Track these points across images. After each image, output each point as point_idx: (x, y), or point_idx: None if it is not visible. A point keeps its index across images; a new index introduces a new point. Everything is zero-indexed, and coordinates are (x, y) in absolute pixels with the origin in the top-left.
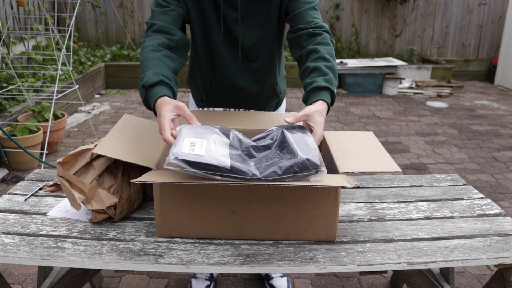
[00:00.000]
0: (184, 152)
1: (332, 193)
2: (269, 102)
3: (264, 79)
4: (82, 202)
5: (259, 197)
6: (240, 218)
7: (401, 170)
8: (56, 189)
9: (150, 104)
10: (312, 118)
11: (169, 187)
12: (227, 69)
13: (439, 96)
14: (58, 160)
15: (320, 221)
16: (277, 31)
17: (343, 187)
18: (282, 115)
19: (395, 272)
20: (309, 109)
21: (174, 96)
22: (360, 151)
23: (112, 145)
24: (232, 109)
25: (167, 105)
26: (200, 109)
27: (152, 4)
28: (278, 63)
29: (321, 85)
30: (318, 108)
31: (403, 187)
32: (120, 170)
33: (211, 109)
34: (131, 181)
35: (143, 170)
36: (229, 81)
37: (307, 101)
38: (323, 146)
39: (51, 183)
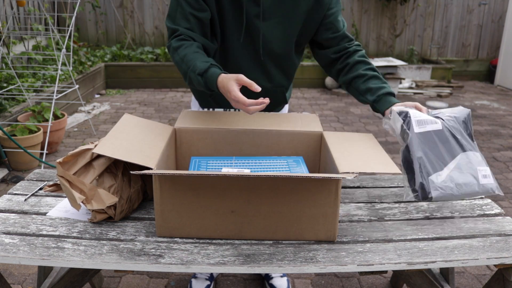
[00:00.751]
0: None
1: (332, 192)
2: (276, 106)
3: (279, 77)
4: (82, 202)
5: (259, 197)
6: (240, 218)
7: (400, 172)
8: (56, 189)
9: (211, 86)
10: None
11: (169, 187)
12: (244, 66)
13: (439, 96)
14: (58, 160)
15: (320, 221)
16: (299, 29)
17: (343, 177)
18: (281, 115)
19: (395, 272)
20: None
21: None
22: (360, 152)
23: (112, 145)
24: (232, 110)
25: (229, 80)
26: (205, 109)
27: (171, 5)
28: (293, 67)
29: (391, 91)
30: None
31: (403, 187)
32: (120, 170)
33: (210, 109)
34: (131, 172)
35: (143, 170)
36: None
37: (381, 102)
38: (323, 146)
39: (51, 183)
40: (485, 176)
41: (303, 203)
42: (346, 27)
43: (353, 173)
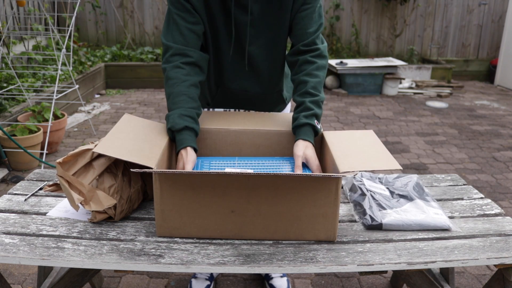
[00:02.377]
0: None
1: (332, 192)
2: (275, 106)
3: (270, 82)
4: (81, 203)
5: (259, 197)
6: (240, 218)
7: (401, 168)
8: (56, 189)
9: (176, 146)
10: (308, 159)
11: (169, 187)
12: (235, 72)
13: (439, 96)
14: (58, 160)
15: (320, 221)
16: (287, 34)
17: (343, 175)
18: (281, 115)
19: (395, 272)
20: (299, 152)
21: (196, 136)
22: (360, 150)
23: (113, 145)
24: (232, 110)
25: (189, 163)
26: (205, 109)
27: (165, 19)
28: (284, 68)
29: (303, 122)
30: (305, 146)
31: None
32: (120, 170)
33: (210, 109)
34: (132, 170)
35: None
36: (236, 85)
37: (295, 133)
38: (323, 146)
39: (51, 183)
40: (436, 213)
41: (303, 203)
42: (318, 36)
43: (353, 171)
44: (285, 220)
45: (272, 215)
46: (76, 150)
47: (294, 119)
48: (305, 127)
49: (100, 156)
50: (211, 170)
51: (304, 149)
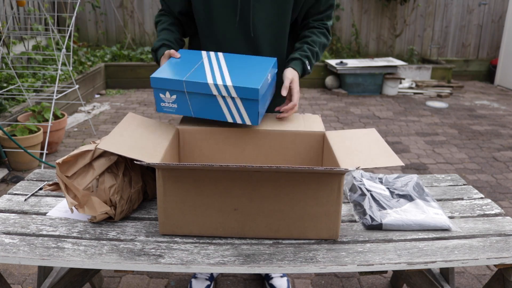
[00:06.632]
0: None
1: (334, 191)
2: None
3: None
4: (75, 206)
5: (262, 195)
6: (242, 216)
7: (403, 164)
8: (56, 188)
9: (158, 61)
10: (293, 85)
11: (172, 184)
12: (233, 45)
13: (439, 96)
14: (57, 161)
15: (322, 220)
16: (291, 9)
17: (346, 170)
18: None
19: (395, 272)
20: (288, 75)
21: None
22: (362, 148)
23: (116, 142)
24: None
25: (163, 58)
26: None
27: None
28: (286, 45)
29: (297, 57)
30: (294, 74)
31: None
32: (121, 171)
33: None
34: (136, 162)
35: (144, 170)
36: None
37: (287, 65)
38: (326, 146)
39: (51, 182)
40: (436, 213)
41: (306, 201)
42: (331, 13)
43: (356, 166)
44: (287, 218)
45: (274, 213)
46: (77, 151)
47: (290, 55)
48: (297, 60)
49: (100, 157)
50: (211, 164)
51: (292, 75)
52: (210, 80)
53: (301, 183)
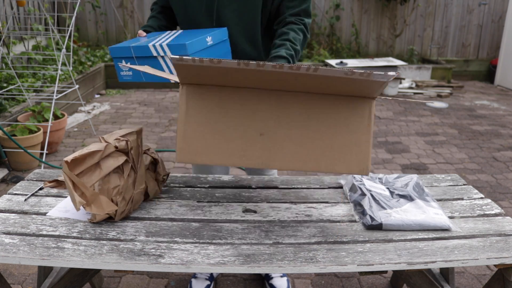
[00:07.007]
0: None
1: (365, 117)
2: None
3: (243, 53)
4: (82, 205)
5: (290, 119)
6: (269, 143)
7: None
8: (56, 185)
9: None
10: None
11: (196, 102)
12: None
13: (439, 96)
14: (65, 158)
15: (353, 151)
16: (261, 4)
17: (383, 79)
18: None
19: (395, 272)
20: None
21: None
22: None
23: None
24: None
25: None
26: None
27: None
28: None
29: (283, 56)
30: None
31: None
32: (127, 172)
33: None
34: (173, 59)
35: (149, 177)
36: None
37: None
38: None
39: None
40: (437, 214)
41: (336, 128)
42: (308, 7)
43: (397, 74)
44: (316, 147)
45: (303, 140)
46: (86, 150)
47: (274, 53)
48: (283, 59)
49: (108, 157)
50: (236, 61)
51: None
52: (150, 43)
53: (331, 106)
